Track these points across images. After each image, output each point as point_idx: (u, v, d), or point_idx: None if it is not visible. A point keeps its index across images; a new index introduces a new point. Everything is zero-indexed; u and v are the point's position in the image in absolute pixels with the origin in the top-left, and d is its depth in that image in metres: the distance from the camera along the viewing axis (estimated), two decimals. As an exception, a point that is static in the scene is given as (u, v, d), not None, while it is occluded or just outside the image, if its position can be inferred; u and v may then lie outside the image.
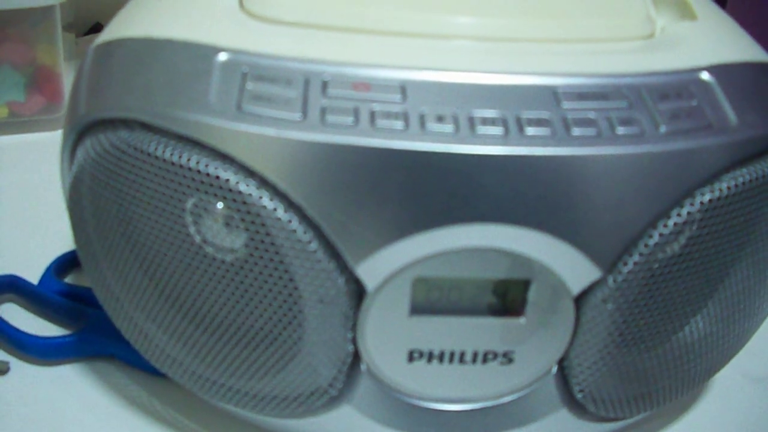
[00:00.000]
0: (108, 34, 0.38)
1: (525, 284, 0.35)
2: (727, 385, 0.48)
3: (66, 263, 0.52)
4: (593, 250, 0.33)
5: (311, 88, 0.33)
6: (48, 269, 0.51)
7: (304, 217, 0.32)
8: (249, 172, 0.32)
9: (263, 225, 0.33)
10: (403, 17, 0.36)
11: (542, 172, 0.32)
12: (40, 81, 0.69)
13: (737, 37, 0.39)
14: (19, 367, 0.46)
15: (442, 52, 0.35)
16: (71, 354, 0.46)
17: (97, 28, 0.82)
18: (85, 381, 0.45)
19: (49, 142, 0.64)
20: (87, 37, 0.81)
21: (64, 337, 0.46)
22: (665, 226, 0.33)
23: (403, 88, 0.33)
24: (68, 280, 0.52)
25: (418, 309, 0.35)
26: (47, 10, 0.66)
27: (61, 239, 0.54)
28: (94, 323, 0.46)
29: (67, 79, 0.69)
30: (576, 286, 0.35)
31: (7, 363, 0.45)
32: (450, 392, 0.38)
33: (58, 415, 0.43)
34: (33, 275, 0.51)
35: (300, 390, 0.37)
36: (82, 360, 0.46)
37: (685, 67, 0.36)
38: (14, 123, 0.69)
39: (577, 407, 0.39)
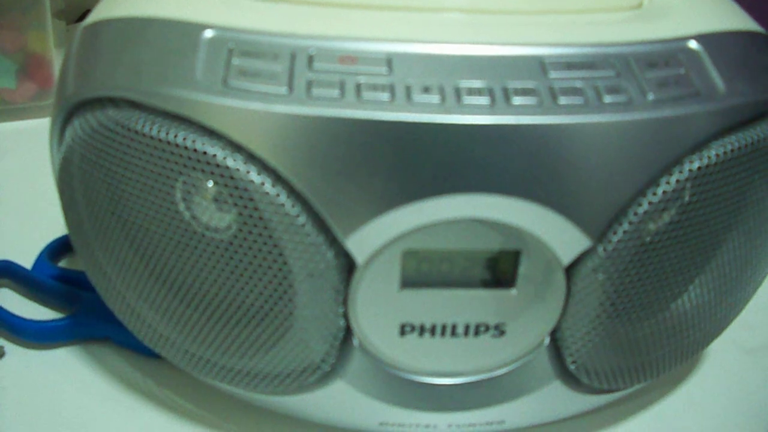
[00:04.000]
0: (95, 15, 0.38)
1: (515, 255, 0.35)
2: (721, 356, 0.48)
3: (59, 247, 0.52)
4: (582, 220, 0.33)
5: (297, 62, 0.33)
6: (41, 254, 0.51)
7: (292, 191, 0.32)
8: (236, 147, 0.32)
9: (251, 200, 0.33)
10: (388, -10, 0.36)
11: (529, 142, 0.32)
12: (31, 68, 0.69)
13: (725, 5, 0.39)
14: (14, 352, 0.46)
15: (428, 25, 0.35)
16: (66, 337, 0.46)
17: (87, 16, 0.82)
18: (80, 364, 0.45)
19: (41, 128, 0.63)
20: (77, 24, 0.81)
21: (58, 320, 0.46)
22: (654, 194, 0.33)
23: (389, 60, 0.33)
24: (62, 264, 0.52)
25: (408, 282, 0.35)
26: (37, -3, 0.67)
27: (53, 224, 0.54)
28: (88, 306, 0.47)
29: (57, 66, 0.69)
30: (566, 256, 0.35)
31: (2, 347, 0.46)
32: (442, 366, 0.39)
33: (54, 398, 0.43)
34: (27, 260, 0.51)
35: (292, 366, 0.37)
36: (77, 343, 0.46)
37: (673, 35, 0.35)
38: (6, 110, 0.69)
39: (570, 379, 0.39)
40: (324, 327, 0.36)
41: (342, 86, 0.32)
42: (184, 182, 0.34)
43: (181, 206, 0.34)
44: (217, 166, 0.32)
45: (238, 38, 0.33)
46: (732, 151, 0.34)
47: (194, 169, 0.33)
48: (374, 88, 0.32)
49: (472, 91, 0.32)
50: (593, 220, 0.34)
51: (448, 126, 0.31)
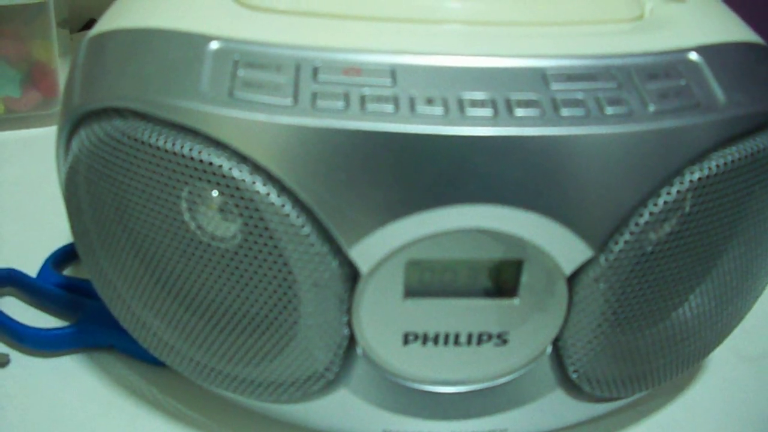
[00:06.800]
0: (101, 26, 0.38)
1: (518, 265, 0.35)
2: (722, 364, 0.48)
3: (64, 256, 0.53)
4: (584, 230, 0.34)
5: (302, 73, 0.33)
6: (46, 262, 0.52)
7: (297, 201, 0.33)
8: (242, 158, 0.32)
9: (257, 210, 0.33)
10: (392, 2, 0.36)
11: (532, 153, 0.32)
12: (36, 77, 0.69)
13: (725, 17, 0.40)
14: (19, 359, 0.46)
15: (432, 36, 0.35)
16: (70, 345, 0.46)
17: (91, 25, 0.82)
18: (85, 372, 0.46)
19: (45, 137, 0.64)
20: (81, 33, 0.82)
21: (63, 328, 0.47)
22: (655, 204, 0.34)
23: (393, 72, 0.33)
24: (66, 272, 0.52)
25: (412, 291, 0.36)
26: (41, 6, 0.67)
27: (58, 232, 0.54)
28: (92, 314, 0.47)
29: (62, 75, 0.70)
30: (568, 266, 0.35)
31: (7, 355, 0.46)
32: (445, 374, 0.39)
33: (59, 405, 0.43)
34: (31, 268, 0.51)
35: (297, 375, 0.37)
36: (81, 351, 0.47)
37: (673, 47, 0.36)
38: (10, 119, 0.69)
39: (572, 387, 0.39)
40: (328, 336, 0.36)
41: (346, 98, 0.32)
42: (190, 192, 0.34)
43: (187, 216, 0.35)
44: (223, 176, 0.32)
45: (243, 50, 0.34)
46: (732, 161, 0.34)
47: (200, 179, 0.33)
48: (378, 99, 0.32)
49: (475, 103, 0.32)
50: (595, 230, 0.34)
51: (452, 137, 0.31)
